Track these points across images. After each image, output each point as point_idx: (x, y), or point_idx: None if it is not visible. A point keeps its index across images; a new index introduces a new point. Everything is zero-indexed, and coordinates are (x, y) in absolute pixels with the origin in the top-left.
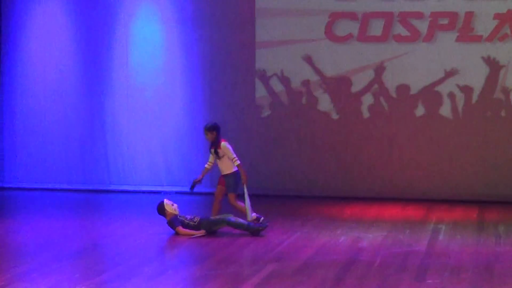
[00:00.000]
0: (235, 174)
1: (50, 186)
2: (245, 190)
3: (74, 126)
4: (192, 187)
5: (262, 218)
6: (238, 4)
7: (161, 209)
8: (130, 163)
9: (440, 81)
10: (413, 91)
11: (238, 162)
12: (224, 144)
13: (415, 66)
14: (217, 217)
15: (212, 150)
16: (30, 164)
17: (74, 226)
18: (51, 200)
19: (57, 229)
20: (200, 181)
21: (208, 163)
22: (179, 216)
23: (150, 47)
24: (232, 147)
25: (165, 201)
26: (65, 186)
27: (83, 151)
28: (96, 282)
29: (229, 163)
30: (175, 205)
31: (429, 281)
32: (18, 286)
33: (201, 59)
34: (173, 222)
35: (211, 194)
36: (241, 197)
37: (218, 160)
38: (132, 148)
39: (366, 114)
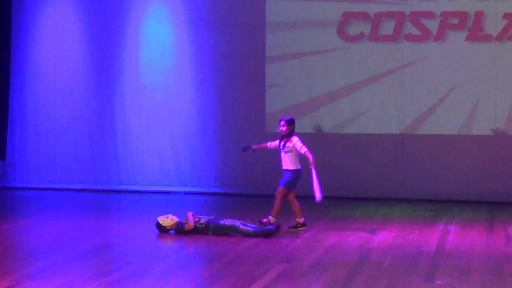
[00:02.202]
0: (296, 173)
1: (60, 186)
2: (314, 173)
3: (84, 126)
4: (245, 149)
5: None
6: (248, 10)
7: (161, 229)
8: (140, 163)
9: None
10: (423, 90)
11: (306, 149)
12: (296, 138)
13: (425, 65)
14: (226, 223)
15: (282, 143)
16: (41, 164)
17: (85, 226)
18: (61, 200)
19: (67, 229)
20: (253, 150)
21: (272, 143)
22: (183, 221)
23: (161, 47)
24: (301, 141)
25: (159, 219)
26: (75, 186)
27: (93, 151)
28: (107, 281)
29: (293, 160)
30: (169, 215)
31: (439, 281)
32: (29, 285)
33: (212, 59)
34: (179, 226)
35: (219, 194)
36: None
37: (283, 154)
38: (142, 148)
39: (375, 113)
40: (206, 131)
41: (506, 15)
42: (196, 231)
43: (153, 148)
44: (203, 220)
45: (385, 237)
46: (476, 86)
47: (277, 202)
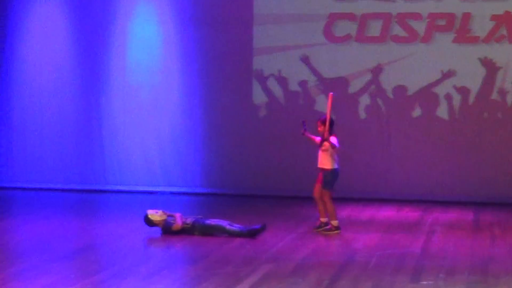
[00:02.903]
0: (334, 172)
1: (46, 186)
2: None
3: (70, 125)
4: (303, 124)
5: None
6: (236, 6)
7: (149, 222)
8: (126, 163)
9: (437, 82)
10: (410, 92)
11: (333, 143)
12: (334, 139)
13: (412, 67)
14: (212, 223)
15: (320, 142)
16: (26, 163)
17: (70, 226)
18: (47, 200)
19: (53, 229)
20: (304, 130)
21: (317, 138)
22: (171, 220)
23: (148, 47)
24: (338, 142)
25: (148, 212)
26: (61, 186)
27: (79, 151)
28: (92, 281)
29: (330, 159)
30: (159, 211)
31: (424, 282)
32: (13, 286)
33: (198, 59)
34: (167, 226)
35: (206, 194)
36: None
37: (320, 152)
38: (128, 148)
39: (362, 115)
40: (193, 131)
41: (493, 17)
42: (182, 231)
43: (140, 148)
44: (189, 220)
45: (371, 237)
46: (463, 87)
47: (328, 205)
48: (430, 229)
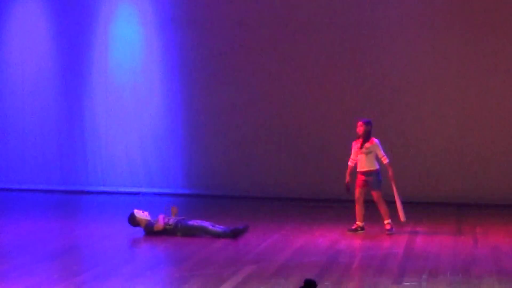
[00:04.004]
0: (378, 172)
1: (28, 186)
2: (395, 190)
3: (52, 127)
4: (347, 190)
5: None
6: (217, 9)
7: (133, 220)
8: (109, 164)
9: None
10: (389, 92)
11: (387, 160)
12: (376, 141)
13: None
14: (195, 224)
15: (359, 145)
16: (8, 164)
17: (52, 227)
18: (29, 201)
19: (35, 230)
20: (349, 182)
21: (351, 160)
22: (153, 221)
23: (129, 48)
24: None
25: (135, 211)
26: (43, 187)
27: (61, 152)
28: (75, 282)
29: (373, 160)
30: (146, 212)
31: (407, 283)
32: None
33: (180, 60)
34: (149, 225)
35: (188, 195)
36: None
37: (361, 156)
38: (111, 149)
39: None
40: (175, 132)
41: None
42: (164, 232)
43: (122, 148)
44: (172, 221)
45: (354, 238)
46: (443, 88)
47: (381, 206)
48: (413, 230)
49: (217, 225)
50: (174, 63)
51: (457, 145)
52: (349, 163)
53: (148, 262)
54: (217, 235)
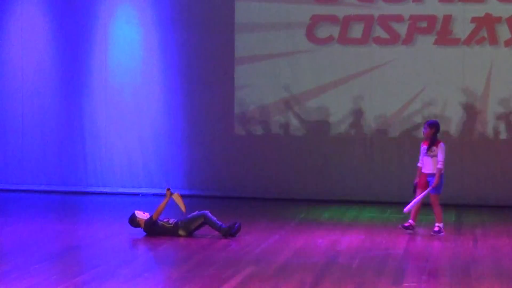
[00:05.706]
0: (442, 175)
1: (27, 187)
2: (424, 193)
3: (52, 127)
4: (414, 191)
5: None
6: (217, 8)
7: (133, 220)
8: (108, 164)
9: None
10: (391, 94)
11: (441, 167)
12: (442, 145)
13: (394, 69)
14: (195, 215)
15: (426, 147)
16: (8, 165)
17: (52, 228)
18: (28, 202)
19: (34, 231)
20: (415, 185)
21: (420, 163)
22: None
23: (129, 49)
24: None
25: (136, 212)
26: (43, 187)
27: (61, 153)
28: (74, 283)
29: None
30: (146, 213)
31: (406, 284)
32: None
33: (179, 60)
34: (148, 223)
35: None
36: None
37: (427, 158)
38: (110, 149)
39: (346, 117)
40: (175, 132)
41: (474, 19)
42: (165, 231)
43: (122, 149)
44: (172, 221)
45: (353, 239)
46: (444, 89)
47: (436, 209)
48: (413, 231)
49: (214, 218)
50: (174, 63)
51: (456, 145)
52: (418, 164)
53: (148, 263)
54: (215, 227)
